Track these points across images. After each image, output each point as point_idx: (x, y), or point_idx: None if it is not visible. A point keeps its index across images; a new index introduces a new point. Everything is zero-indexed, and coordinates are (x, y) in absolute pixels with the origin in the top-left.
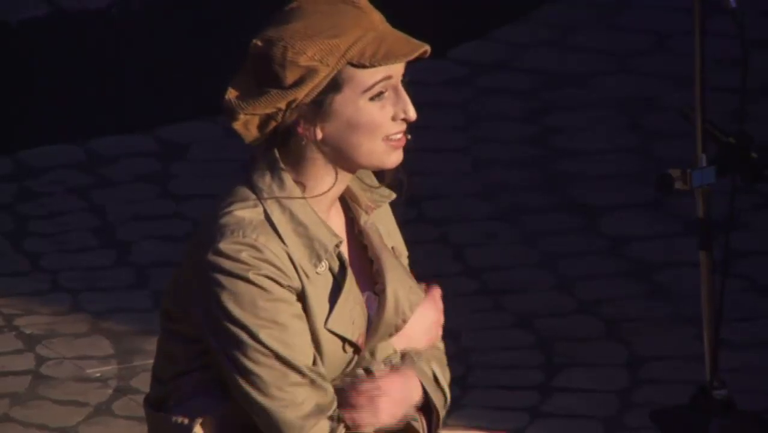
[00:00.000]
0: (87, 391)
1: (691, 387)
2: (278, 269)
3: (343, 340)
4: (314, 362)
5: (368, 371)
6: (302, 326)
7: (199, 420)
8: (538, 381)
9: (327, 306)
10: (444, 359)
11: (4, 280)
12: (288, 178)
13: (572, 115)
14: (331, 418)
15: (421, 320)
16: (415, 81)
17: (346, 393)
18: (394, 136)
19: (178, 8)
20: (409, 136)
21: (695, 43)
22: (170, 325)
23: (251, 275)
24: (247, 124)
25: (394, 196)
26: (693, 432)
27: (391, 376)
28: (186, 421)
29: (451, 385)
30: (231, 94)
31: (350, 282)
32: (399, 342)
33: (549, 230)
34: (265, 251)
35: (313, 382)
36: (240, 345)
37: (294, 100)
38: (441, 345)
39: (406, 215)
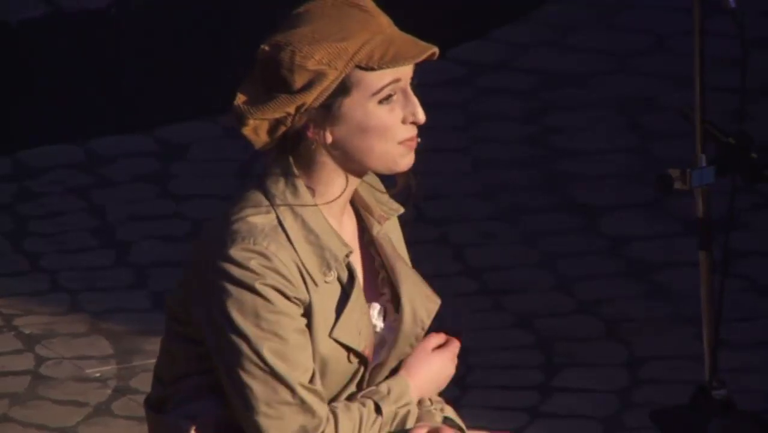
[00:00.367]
0: (86, 391)
1: (690, 387)
2: (285, 278)
3: (349, 350)
4: (312, 379)
5: None
6: (303, 341)
7: (198, 423)
8: (538, 381)
9: (333, 315)
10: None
11: (4, 280)
12: (301, 185)
13: (572, 115)
14: None
15: (441, 371)
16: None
17: None
18: (405, 140)
19: (178, 8)
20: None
21: (695, 43)
22: (175, 326)
23: (258, 285)
24: (257, 130)
25: (402, 210)
26: (692, 432)
27: None
28: (185, 424)
29: (451, 385)
30: (240, 99)
31: (358, 292)
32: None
33: (549, 230)
34: (274, 260)
35: (302, 402)
36: (237, 354)
37: (303, 105)
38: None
39: (405, 215)
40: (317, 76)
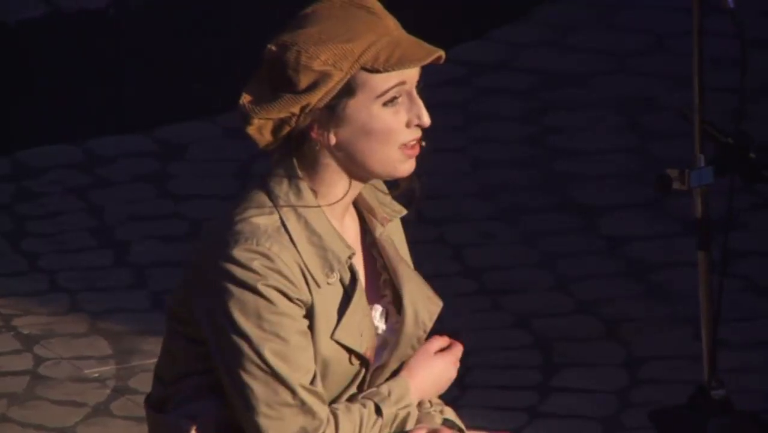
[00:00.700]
0: (85, 391)
1: (689, 387)
2: (288, 280)
3: (350, 351)
4: (313, 380)
5: None
6: (305, 343)
7: (198, 423)
8: (537, 381)
9: (335, 317)
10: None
11: (3, 280)
12: (305, 186)
13: (571, 115)
14: None
15: (442, 374)
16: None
17: None
18: (408, 144)
19: (177, 8)
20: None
21: (694, 43)
22: (176, 326)
23: (260, 286)
24: (261, 129)
25: (405, 212)
26: (691, 432)
27: None
28: (185, 424)
29: (450, 385)
30: (245, 98)
31: (360, 294)
32: (415, 396)
33: (548, 230)
34: (276, 261)
35: (303, 404)
36: (239, 355)
37: (308, 105)
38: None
39: (406, 216)
40: (322, 77)
